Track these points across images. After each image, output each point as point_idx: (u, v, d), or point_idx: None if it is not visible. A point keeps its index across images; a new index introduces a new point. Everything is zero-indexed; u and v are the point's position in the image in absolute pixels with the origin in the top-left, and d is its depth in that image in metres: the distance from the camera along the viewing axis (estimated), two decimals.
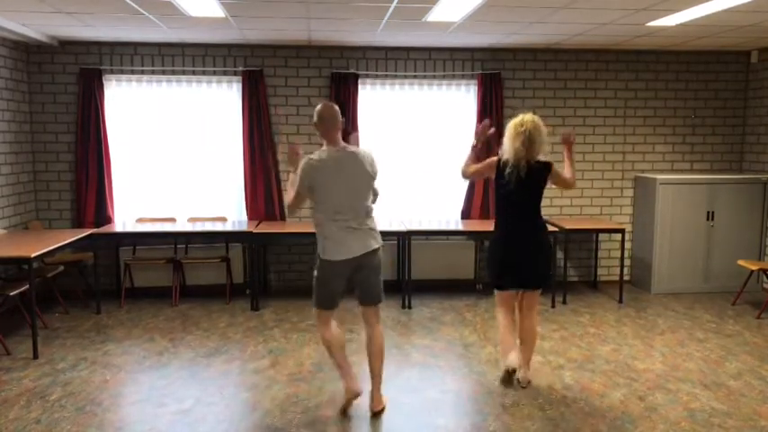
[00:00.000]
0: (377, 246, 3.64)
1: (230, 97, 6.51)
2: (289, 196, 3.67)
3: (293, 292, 6.54)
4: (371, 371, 3.76)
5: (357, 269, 3.63)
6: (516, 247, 4.04)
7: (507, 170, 3.97)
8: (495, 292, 4.20)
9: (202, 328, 5.42)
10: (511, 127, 3.99)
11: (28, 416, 3.70)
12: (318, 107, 3.61)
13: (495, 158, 4.10)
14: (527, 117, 3.98)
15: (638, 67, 6.85)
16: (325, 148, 3.60)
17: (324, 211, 3.57)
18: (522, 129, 3.92)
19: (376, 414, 3.74)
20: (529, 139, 3.91)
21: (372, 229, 3.65)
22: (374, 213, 3.71)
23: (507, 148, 3.99)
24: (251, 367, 4.49)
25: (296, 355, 4.74)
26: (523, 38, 6.05)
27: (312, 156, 3.55)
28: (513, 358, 4.05)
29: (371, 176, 3.63)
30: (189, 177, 6.56)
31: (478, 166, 4.12)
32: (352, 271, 3.63)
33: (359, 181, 3.58)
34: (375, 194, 3.74)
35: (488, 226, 5.65)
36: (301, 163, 3.55)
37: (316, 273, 3.67)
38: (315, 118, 3.60)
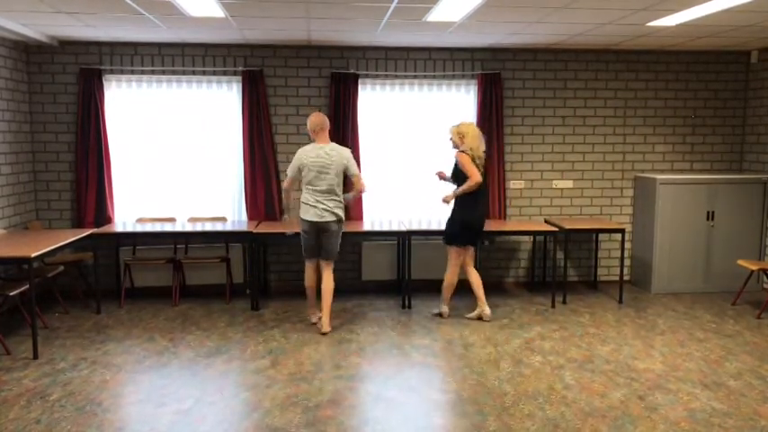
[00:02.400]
0: (330, 219, 5.15)
1: (230, 97, 6.51)
2: (285, 182, 5.30)
3: (293, 292, 6.54)
4: (322, 304, 5.29)
5: (321, 232, 5.20)
6: (481, 218, 5.59)
7: (476, 162, 5.40)
8: (456, 248, 5.59)
9: (202, 328, 5.42)
10: (472, 130, 5.45)
11: (28, 416, 3.70)
12: (311, 117, 5.23)
13: (467, 155, 5.39)
14: (473, 124, 5.61)
15: (638, 67, 6.85)
16: (313, 143, 5.23)
17: (304, 185, 5.19)
18: (479, 131, 5.49)
19: (323, 335, 5.19)
20: (481, 138, 5.48)
21: (327, 207, 5.13)
22: (339, 197, 5.20)
23: (473, 145, 5.40)
24: (251, 367, 4.49)
25: (296, 355, 4.74)
26: (523, 38, 6.05)
27: (303, 147, 5.24)
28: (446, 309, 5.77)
29: (336, 167, 5.12)
30: (189, 177, 6.56)
31: (473, 168, 5.37)
32: (318, 232, 5.20)
33: (326, 169, 5.11)
34: (351, 179, 5.23)
35: (487, 226, 5.84)
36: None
37: None
38: (308, 123, 5.24)
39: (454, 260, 5.63)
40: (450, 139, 5.54)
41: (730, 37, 5.96)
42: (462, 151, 5.42)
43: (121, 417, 3.71)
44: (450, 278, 5.67)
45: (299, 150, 5.19)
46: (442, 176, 5.79)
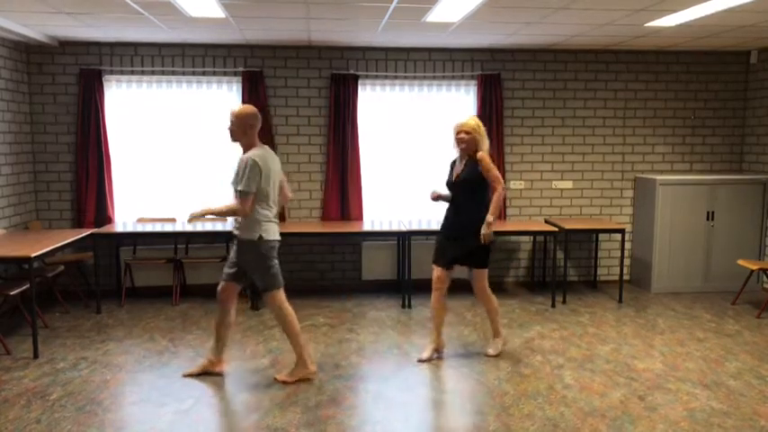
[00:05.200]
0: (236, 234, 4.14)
1: (230, 98, 6.51)
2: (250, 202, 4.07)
3: (293, 292, 6.52)
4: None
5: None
6: None
7: None
8: (486, 270, 4.62)
9: (202, 327, 5.42)
10: (483, 126, 4.50)
11: (28, 415, 3.70)
12: (252, 108, 4.04)
13: (488, 156, 4.47)
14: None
15: (637, 67, 6.86)
16: (259, 145, 4.08)
17: (264, 200, 4.09)
18: None
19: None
20: None
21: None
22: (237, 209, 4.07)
23: (487, 144, 4.51)
24: (251, 367, 4.49)
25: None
26: (523, 38, 6.05)
27: (261, 152, 4.04)
28: None
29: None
30: (189, 177, 6.56)
31: (497, 172, 4.44)
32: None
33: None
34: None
35: None
36: None
37: None
38: (252, 117, 4.00)
39: (486, 281, 4.63)
40: (463, 135, 4.44)
41: (730, 37, 5.97)
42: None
43: (122, 416, 3.71)
44: (495, 303, 4.69)
45: (261, 156, 3.97)
46: (437, 197, 4.87)
